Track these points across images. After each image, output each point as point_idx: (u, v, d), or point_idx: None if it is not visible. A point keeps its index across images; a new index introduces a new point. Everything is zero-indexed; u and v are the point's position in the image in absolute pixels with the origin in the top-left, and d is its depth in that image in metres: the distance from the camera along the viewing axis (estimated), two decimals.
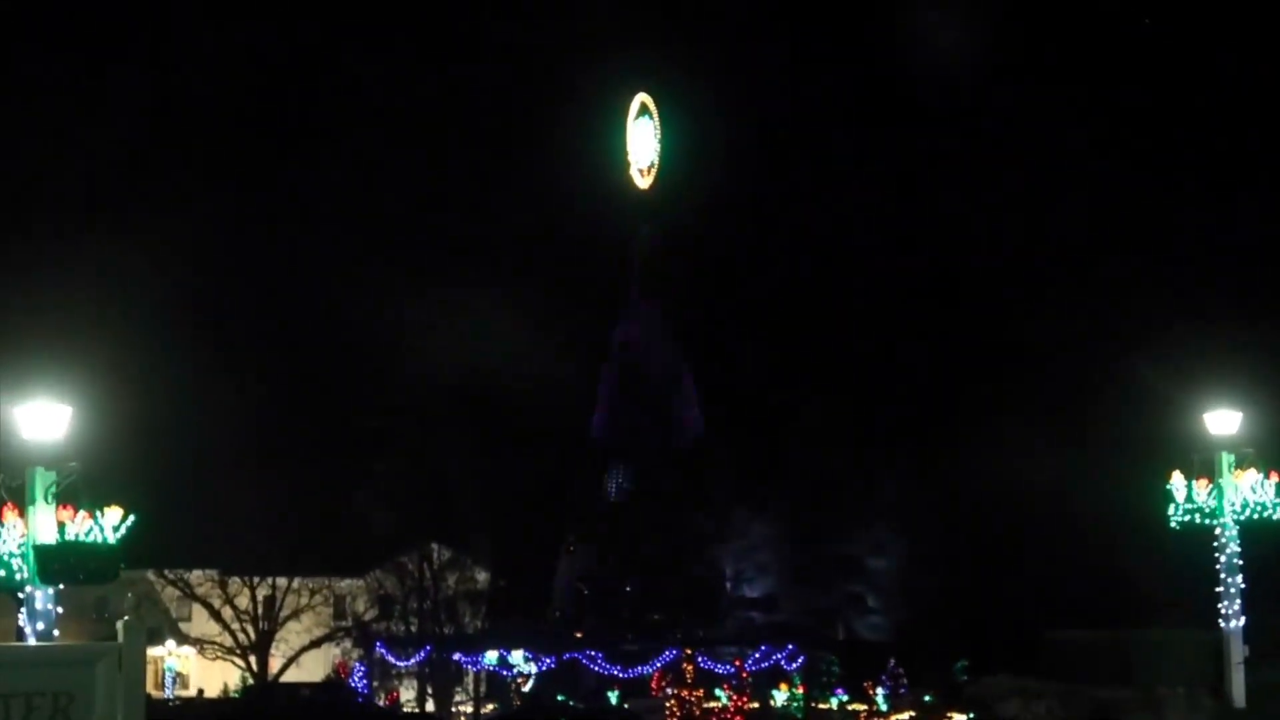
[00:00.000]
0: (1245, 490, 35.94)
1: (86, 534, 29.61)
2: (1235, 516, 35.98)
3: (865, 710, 61.80)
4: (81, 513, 29.75)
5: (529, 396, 75.74)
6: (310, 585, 76.07)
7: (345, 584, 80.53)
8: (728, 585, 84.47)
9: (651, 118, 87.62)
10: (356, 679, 64.87)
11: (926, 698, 64.21)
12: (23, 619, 29.96)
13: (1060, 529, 64.60)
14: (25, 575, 29.42)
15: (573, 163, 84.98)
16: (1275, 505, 35.91)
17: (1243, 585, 36.22)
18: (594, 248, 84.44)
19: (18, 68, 75.83)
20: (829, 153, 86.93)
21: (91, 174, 76.54)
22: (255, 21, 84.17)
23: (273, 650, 74.72)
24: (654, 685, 58.99)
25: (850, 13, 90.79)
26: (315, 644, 75.54)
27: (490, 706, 67.29)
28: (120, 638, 12.76)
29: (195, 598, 75.87)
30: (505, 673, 63.35)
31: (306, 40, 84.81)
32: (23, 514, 29.76)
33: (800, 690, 59.00)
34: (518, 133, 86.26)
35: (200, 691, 72.59)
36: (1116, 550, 55.95)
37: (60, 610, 30.06)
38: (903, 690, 65.84)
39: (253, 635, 74.18)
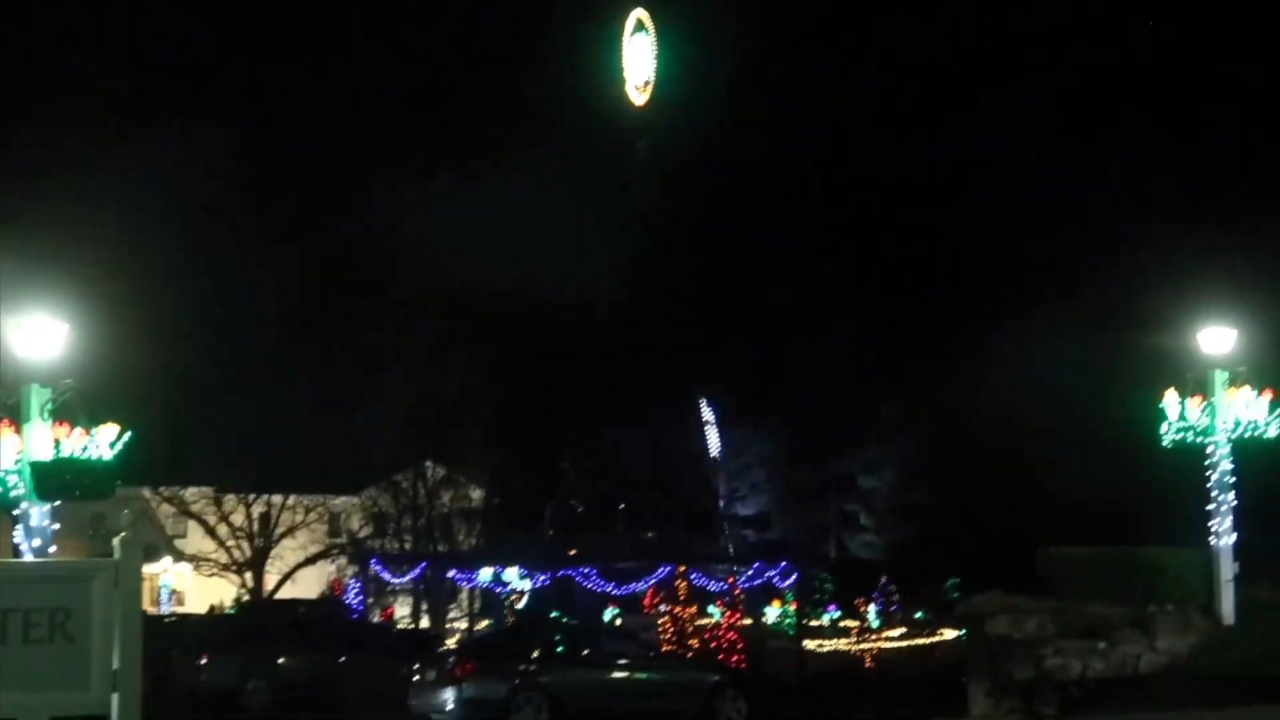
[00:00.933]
0: (1238, 408, 35.96)
1: (82, 451, 29.65)
2: (1228, 434, 36.05)
3: (857, 627, 62.12)
4: (77, 429, 29.79)
5: (528, 311, 75.74)
6: (305, 503, 76.27)
7: (340, 501, 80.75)
8: (721, 504, 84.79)
9: (648, 33, 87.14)
10: (351, 596, 64.99)
11: (918, 615, 64.62)
12: (19, 536, 30.05)
13: (1054, 447, 64.71)
14: (21, 492, 29.50)
15: (569, 79, 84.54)
16: (1268, 424, 35.96)
17: (1234, 503, 36.33)
18: (591, 164, 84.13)
19: None
20: (825, 65, 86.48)
21: (90, 81, 76.10)
22: None
23: (268, 567, 74.97)
24: (647, 602, 59.15)
25: None
26: (310, 561, 75.79)
27: (485, 623, 67.49)
28: (117, 554, 12.80)
29: (191, 515, 76.01)
30: (499, 589, 63.43)
31: None
32: (18, 430, 29.81)
33: (793, 607, 59.20)
34: (513, 47, 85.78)
35: (211, 607, 72.82)
36: (1111, 468, 56.02)
37: (57, 527, 30.14)
38: (894, 608, 66.24)
39: (248, 552, 74.39)
